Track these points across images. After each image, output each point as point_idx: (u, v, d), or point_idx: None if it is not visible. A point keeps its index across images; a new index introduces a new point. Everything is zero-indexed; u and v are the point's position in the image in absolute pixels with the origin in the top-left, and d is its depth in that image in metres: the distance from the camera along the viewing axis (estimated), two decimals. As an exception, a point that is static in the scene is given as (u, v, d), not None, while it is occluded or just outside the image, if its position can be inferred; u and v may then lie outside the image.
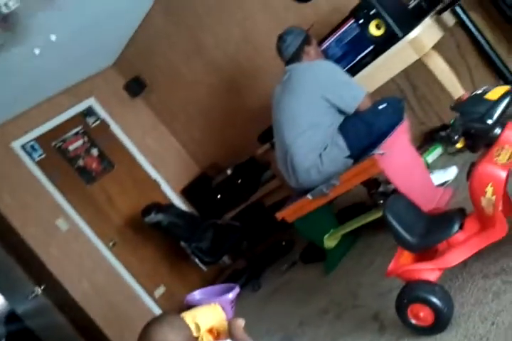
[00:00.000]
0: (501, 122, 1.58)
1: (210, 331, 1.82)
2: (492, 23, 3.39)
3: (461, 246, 1.79)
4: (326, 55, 3.51)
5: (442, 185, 2.97)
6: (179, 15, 4.74)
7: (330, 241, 3.20)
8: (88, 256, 4.82)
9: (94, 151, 5.20)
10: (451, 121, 1.53)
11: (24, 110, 4.89)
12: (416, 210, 1.98)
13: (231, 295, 1.92)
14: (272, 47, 3.13)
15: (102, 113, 5.34)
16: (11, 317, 6.03)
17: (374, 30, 3.01)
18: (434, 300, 1.72)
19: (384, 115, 2.84)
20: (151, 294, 4.97)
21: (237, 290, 1.97)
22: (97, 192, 5.09)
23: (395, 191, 2.65)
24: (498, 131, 1.57)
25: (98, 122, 5.30)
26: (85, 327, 4.69)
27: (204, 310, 1.86)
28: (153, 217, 4.33)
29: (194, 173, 5.53)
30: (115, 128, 5.37)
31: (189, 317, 1.75)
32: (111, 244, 4.95)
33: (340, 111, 2.87)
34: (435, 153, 3.53)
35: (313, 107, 2.84)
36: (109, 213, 5.07)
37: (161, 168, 5.48)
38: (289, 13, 4.10)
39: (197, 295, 2.08)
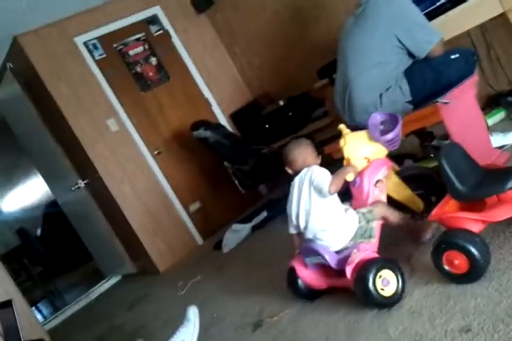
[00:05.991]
0: None
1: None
2: None
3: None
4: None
5: (500, 148, 2.91)
6: None
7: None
8: (133, 160, 4.89)
9: (153, 60, 5.19)
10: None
11: (91, 7, 4.88)
12: (472, 161, 1.96)
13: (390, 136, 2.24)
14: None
15: (166, 23, 5.27)
16: (53, 204, 6.59)
17: (463, -27, 2.84)
18: (473, 249, 1.73)
19: (455, 65, 2.73)
20: (186, 207, 5.04)
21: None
22: (149, 100, 5.10)
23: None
24: None
25: (161, 32, 5.24)
26: (119, 225, 4.89)
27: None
28: (202, 133, 4.34)
29: (246, 100, 5.49)
30: (176, 41, 5.31)
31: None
32: (156, 152, 5.01)
33: (410, 54, 2.77)
34: (497, 117, 3.43)
35: (384, 45, 2.72)
36: (158, 122, 5.10)
37: (215, 88, 5.44)
38: None
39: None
